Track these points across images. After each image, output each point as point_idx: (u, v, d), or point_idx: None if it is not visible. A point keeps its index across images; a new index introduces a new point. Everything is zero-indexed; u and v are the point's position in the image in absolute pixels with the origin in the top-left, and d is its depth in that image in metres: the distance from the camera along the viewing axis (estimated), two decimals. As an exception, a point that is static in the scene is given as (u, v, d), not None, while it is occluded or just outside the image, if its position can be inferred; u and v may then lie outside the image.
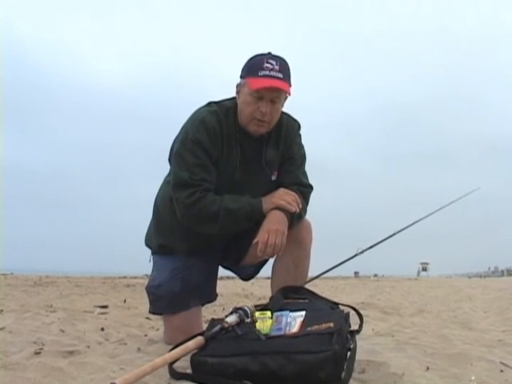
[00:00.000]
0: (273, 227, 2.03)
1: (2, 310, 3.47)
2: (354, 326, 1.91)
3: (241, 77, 2.15)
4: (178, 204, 2.12)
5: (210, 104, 2.22)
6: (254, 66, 2.08)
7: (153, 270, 2.37)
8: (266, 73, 2.04)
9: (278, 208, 2.07)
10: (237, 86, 2.17)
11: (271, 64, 2.05)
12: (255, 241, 2.05)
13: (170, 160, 2.26)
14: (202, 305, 2.39)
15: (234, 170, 2.17)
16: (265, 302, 2.07)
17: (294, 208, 2.08)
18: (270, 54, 2.10)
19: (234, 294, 6.45)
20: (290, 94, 2.12)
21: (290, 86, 2.12)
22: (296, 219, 2.15)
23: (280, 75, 2.05)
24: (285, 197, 2.10)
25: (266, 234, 2.03)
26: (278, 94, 2.08)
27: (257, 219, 2.08)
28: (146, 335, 2.63)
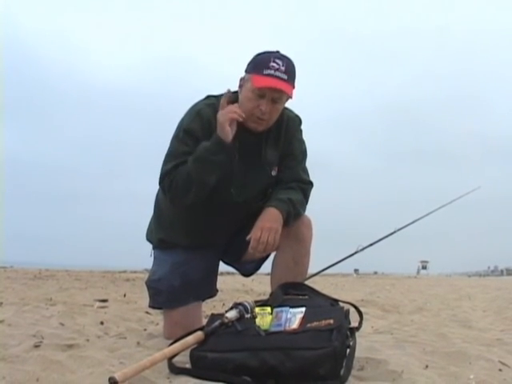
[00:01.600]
0: (266, 225, 2.03)
1: (1, 303, 3.48)
2: (354, 324, 1.91)
3: (246, 71, 2.12)
4: (163, 194, 2.17)
5: (208, 97, 2.22)
6: (260, 64, 2.05)
7: (153, 265, 2.37)
8: (271, 72, 2.01)
9: None
10: (240, 79, 2.15)
11: (277, 64, 2.02)
12: (248, 237, 2.05)
13: None
14: (202, 300, 2.40)
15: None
16: (265, 297, 2.07)
17: (240, 114, 2.02)
18: (278, 52, 2.07)
19: (234, 289, 6.46)
20: (291, 98, 2.10)
21: (294, 87, 2.09)
22: (292, 218, 2.14)
23: (285, 76, 2.02)
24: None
25: (258, 231, 2.03)
26: (280, 95, 2.06)
27: (221, 148, 2.01)
28: (145, 330, 2.63)
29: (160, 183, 2.14)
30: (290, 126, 2.26)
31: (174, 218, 2.22)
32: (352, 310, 1.97)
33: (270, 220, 2.05)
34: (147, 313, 3.29)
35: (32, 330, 2.30)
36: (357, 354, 1.73)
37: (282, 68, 2.03)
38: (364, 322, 2.11)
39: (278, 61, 2.04)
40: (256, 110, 2.06)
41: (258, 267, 2.43)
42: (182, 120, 2.17)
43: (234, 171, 2.15)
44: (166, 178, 2.10)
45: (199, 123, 2.11)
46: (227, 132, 2.01)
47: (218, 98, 2.19)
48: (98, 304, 3.87)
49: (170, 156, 2.14)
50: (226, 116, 2.00)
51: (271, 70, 2.01)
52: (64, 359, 1.74)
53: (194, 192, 2.08)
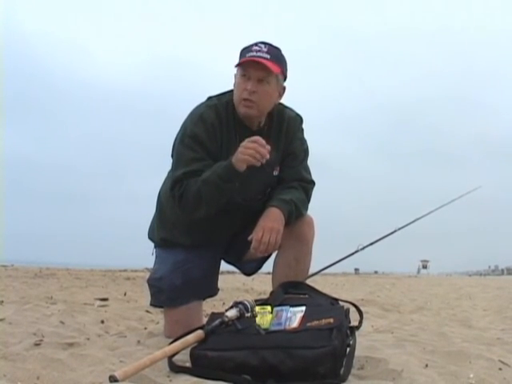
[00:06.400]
0: (268, 225, 2.04)
1: (2, 301, 3.48)
2: (354, 323, 1.91)
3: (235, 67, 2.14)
4: (173, 201, 2.13)
5: (209, 98, 2.22)
6: (243, 51, 2.10)
7: (155, 263, 2.37)
8: (253, 54, 2.04)
9: (252, 167, 1.99)
10: (234, 76, 2.17)
11: (259, 47, 2.06)
12: (250, 237, 2.06)
13: (172, 156, 2.27)
14: (203, 299, 2.40)
15: None
16: (265, 296, 2.07)
17: (259, 159, 1.97)
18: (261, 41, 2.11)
19: (234, 288, 6.46)
20: (277, 73, 2.08)
21: (282, 69, 2.10)
22: (294, 218, 2.15)
23: (267, 56, 2.04)
24: (245, 149, 1.98)
25: (260, 231, 2.03)
26: (266, 74, 2.05)
27: (233, 177, 2.01)
28: (145, 328, 2.63)
29: (171, 189, 2.12)
30: (290, 125, 2.26)
31: (175, 217, 2.22)
32: (352, 309, 1.98)
33: (271, 220, 2.05)
34: (147, 311, 3.30)
35: (32, 328, 2.30)
36: (357, 352, 1.74)
37: (265, 49, 2.05)
38: (364, 321, 2.12)
39: (260, 44, 2.08)
40: (243, 92, 2.07)
41: (260, 266, 2.44)
42: (185, 124, 2.16)
43: None
44: (176, 185, 2.09)
45: (203, 127, 2.10)
46: (243, 167, 1.99)
47: (219, 97, 2.20)
48: (98, 303, 3.87)
49: (178, 162, 2.14)
50: (247, 158, 1.96)
51: (253, 52, 2.05)
52: (64, 357, 1.74)
53: (205, 210, 2.10)
